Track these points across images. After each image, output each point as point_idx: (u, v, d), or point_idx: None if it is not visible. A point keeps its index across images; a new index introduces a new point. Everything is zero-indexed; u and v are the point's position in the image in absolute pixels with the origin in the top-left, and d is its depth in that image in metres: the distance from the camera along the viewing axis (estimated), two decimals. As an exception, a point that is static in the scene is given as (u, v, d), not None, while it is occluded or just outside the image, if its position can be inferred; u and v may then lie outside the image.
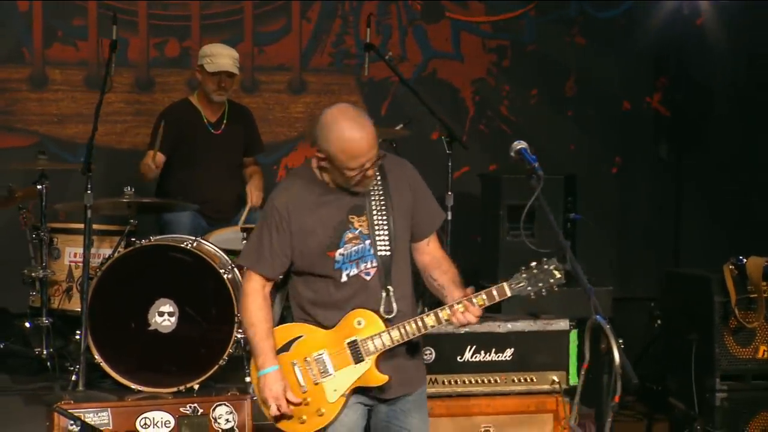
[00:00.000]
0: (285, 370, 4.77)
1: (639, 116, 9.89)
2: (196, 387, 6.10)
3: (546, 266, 4.74)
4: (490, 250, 7.77)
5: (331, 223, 4.73)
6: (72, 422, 5.36)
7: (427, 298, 5.68)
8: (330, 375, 4.76)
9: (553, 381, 6.19)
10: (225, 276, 6.71)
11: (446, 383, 6.15)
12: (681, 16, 9.68)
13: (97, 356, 6.58)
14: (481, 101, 9.53)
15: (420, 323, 4.71)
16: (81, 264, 7.04)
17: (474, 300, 4.67)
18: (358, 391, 4.79)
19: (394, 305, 4.74)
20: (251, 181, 7.83)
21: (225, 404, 5.73)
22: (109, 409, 5.59)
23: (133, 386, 6.55)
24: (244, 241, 7.05)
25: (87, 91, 8.69)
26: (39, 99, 8.65)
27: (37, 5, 8.57)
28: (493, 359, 6.12)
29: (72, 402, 5.53)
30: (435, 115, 7.46)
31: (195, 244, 6.81)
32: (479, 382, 6.08)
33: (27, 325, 7.08)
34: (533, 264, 4.74)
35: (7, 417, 6.30)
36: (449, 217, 7.21)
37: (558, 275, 4.73)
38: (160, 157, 7.40)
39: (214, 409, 5.71)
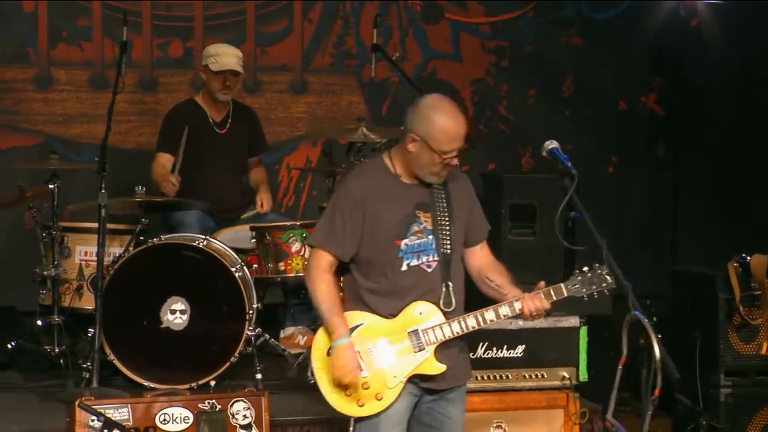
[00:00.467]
0: None
1: (635, 116, 10.00)
2: (212, 383, 6.17)
3: (599, 271, 5.00)
4: (492, 248, 7.85)
5: (400, 214, 4.94)
6: (95, 418, 5.39)
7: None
8: (391, 362, 4.93)
9: (564, 377, 6.26)
10: (236, 274, 6.80)
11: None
12: (676, 17, 9.80)
13: (109, 353, 6.66)
14: (480, 101, 9.63)
15: (480, 318, 4.94)
16: (91, 263, 7.13)
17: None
18: (412, 381, 4.97)
19: (453, 299, 4.95)
20: (261, 189, 7.95)
21: (243, 400, 5.75)
22: (129, 405, 5.60)
23: (145, 383, 6.63)
24: (253, 240, 7.18)
25: (91, 91, 8.77)
26: (44, 99, 8.71)
27: (43, 6, 8.62)
28: (505, 356, 6.19)
29: (92, 398, 5.56)
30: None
31: (206, 243, 6.89)
32: (491, 378, 6.15)
33: (39, 323, 7.11)
34: (586, 268, 5.02)
35: (23, 413, 6.36)
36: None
37: (610, 280, 4.97)
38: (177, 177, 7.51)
39: (231, 405, 5.73)
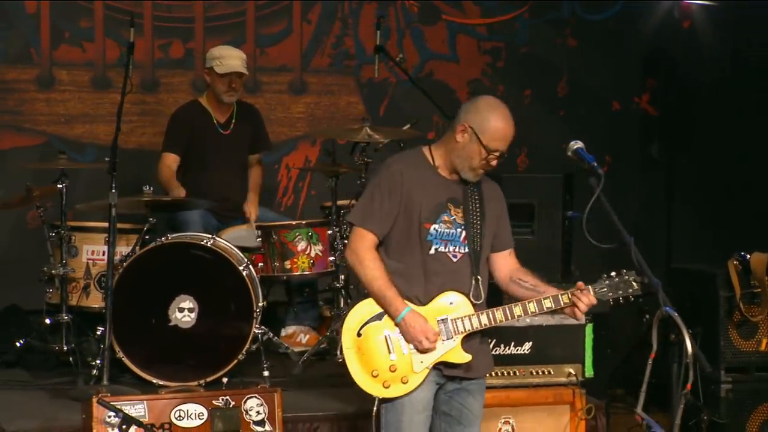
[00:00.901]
0: (375, 336, 5.12)
1: (628, 116, 10.10)
2: (225, 380, 6.23)
3: (626, 277, 5.16)
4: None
5: (433, 201, 5.13)
6: (112, 414, 5.45)
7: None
8: None
9: (570, 373, 6.35)
10: (243, 272, 6.88)
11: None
12: (669, 19, 9.90)
13: (118, 351, 6.73)
14: (477, 102, 9.69)
15: (508, 312, 5.11)
16: (98, 261, 7.22)
17: (562, 295, 5.11)
18: (437, 368, 5.12)
19: (482, 293, 5.14)
20: (250, 198, 7.96)
21: (256, 397, 5.85)
22: (145, 401, 5.70)
23: (154, 380, 6.70)
24: (259, 239, 7.26)
25: (93, 91, 8.81)
26: (47, 99, 8.74)
27: (45, 7, 8.65)
28: (513, 353, 6.29)
29: (109, 395, 5.63)
30: (447, 115, 7.62)
31: (213, 242, 6.96)
32: (499, 374, 6.23)
33: (47, 321, 7.16)
34: (614, 273, 5.16)
35: (35, 410, 6.41)
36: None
37: (636, 286, 5.13)
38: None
39: (245, 402, 5.82)
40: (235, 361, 6.80)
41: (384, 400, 5.14)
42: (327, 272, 7.41)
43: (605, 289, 5.15)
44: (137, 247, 7.04)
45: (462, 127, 5.09)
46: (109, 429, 5.55)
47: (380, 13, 9.10)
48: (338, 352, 5.67)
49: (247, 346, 6.83)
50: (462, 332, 5.10)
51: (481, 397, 5.31)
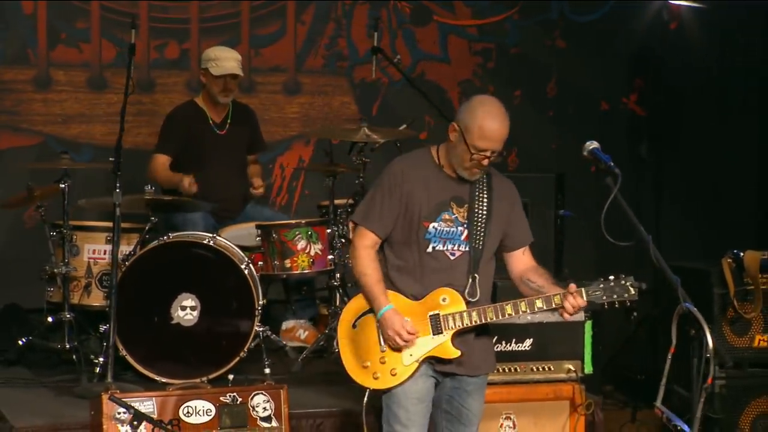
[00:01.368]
0: (369, 329, 5.22)
1: (616, 116, 10.20)
2: (231, 377, 6.30)
3: (623, 282, 5.19)
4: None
5: (434, 200, 5.20)
6: (122, 410, 5.51)
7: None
8: None
9: (569, 369, 6.45)
10: (245, 271, 6.96)
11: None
12: (657, 20, 10.01)
13: (121, 349, 6.79)
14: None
15: (498, 310, 5.14)
16: (99, 260, 7.28)
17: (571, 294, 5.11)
18: (430, 364, 5.19)
19: (479, 291, 5.18)
20: (253, 172, 8.14)
21: (262, 393, 5.90)
22: (154, 398, 5.74)
23: (156, 378, 6.78)
24: (258, 238, 7.34)
25: (90, 92, 8.86)
26: (44, 99, 8.77)
27: (42, 7, 8.69)
28: (514, 349, 6.38)
29: (119, 391, 5.69)
30: (444, 116, 7.69)
31: (214, 241, 7.04)
32: (500, 371, 6.32)
33: (49, 319, 7.22)
34: (611, 277, 5.18)
35: (42, 408, 6.45)
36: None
37: (633, 292, 5.17)
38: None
39: (252, 398, 5.87)
40: (237, 359, 6.88)
41: (384, 392, 5.24)
42: (326, 270, 7.47)
43: (599, 292, 5.14)
44: (138, 247, 7.11)
45: (452, 127, 5.17)
46: (119, 425, 5.58)
47: (373, 14, 9.19)
48: (335, 344, 5.76)
49: (248, 343, 6.91)
50: (452, 328, 5.15)
51: (480, 396, 5.38)
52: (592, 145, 5.10)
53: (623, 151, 10.21)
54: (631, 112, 10.29)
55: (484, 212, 5.22)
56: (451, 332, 5.15)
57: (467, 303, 5.17)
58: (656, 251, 4.79)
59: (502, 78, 9.91)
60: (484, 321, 5.16)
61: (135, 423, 5.44)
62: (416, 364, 5.17)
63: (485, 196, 5.24)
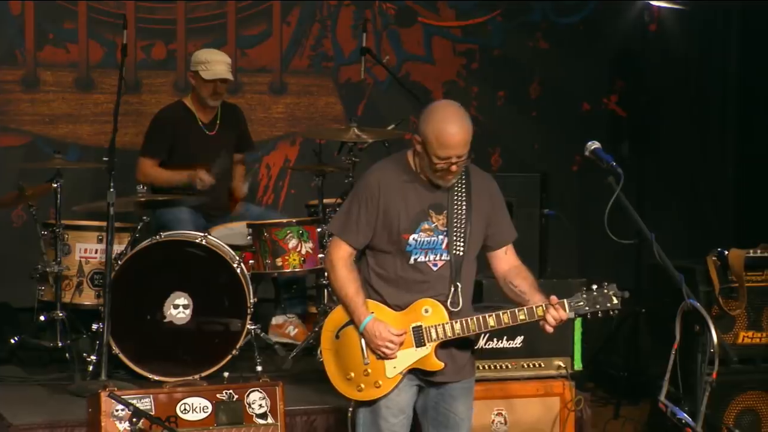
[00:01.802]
0: (351, 340, 5.14)
1: (598, 117, 10.31)
2: (226, 375, 6.36)
3: (606, 291, 5.10)
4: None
5: (412, 210, 5.08)
6: (120, 407, 5.55)
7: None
8: None
9: (559, 366, 6.53)
10: (237, 269, 7.02)
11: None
12: (637, 22, 10.10)
13: (114, 347, 6.84)
14: (450, 102, 9.86)
15: (481, 321, 5.09)
16: (91, 259, 7.32)
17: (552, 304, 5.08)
18: (413, 372, 5.14)
19: (461, 300, 5.11)
20: (236, 176, 8.12)
21: (258, 390, 5.94)
22: (151, 395, 5.78)
23: (149, 376, 6.84)
24: (249, 237, 7.39)
25: (77, 92, 8.90)
26: (31, 100, 8.81)
27: (29, 7, 8.72)
28: (505, 346, 6.44)
29: (116, 389, 5.72)
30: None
31: (206, 239, 7.10)
32: (492, 368, 6.41)
33: (42, 318, 7.25)
34: (594, 286, 5.10)
35: (37, 406, 6.50)
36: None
37: (615, 301, 5.10)
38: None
39: (248, 395, 5.91)
40: (229, 357, 6.95)
41: (360, 403, 5.21)
42: (317, 269, 7.51)
43: (582, 303, 5.09)
44: (129, 246, 7.16)
45: (415, 139, 5.03)
46: (117, 422, 5.63)
47: (358, 15, 9.28)
48: (318, 352, 5.79)
49: (241, 341, 6.98)
50: (435, 340, 5.08)
51: (466, 399, 5.30)
52: (594, 145, 5.14)
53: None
54: (611, 113, 10.41)
55: (463, 217, 5.11)
56: (434, 344, 5.08)
57: (450, 313, 5.09)
58: (659, 249, 4.84)
59: (486, 79, 10.00)
60: (466, 333, 5.10)
61: (134, 420, 5.46)
62: (400, 377, 5.12)
63: (464, 198, 5.14)
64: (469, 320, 5.08)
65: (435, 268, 5.12)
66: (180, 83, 8.91)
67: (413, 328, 5.10)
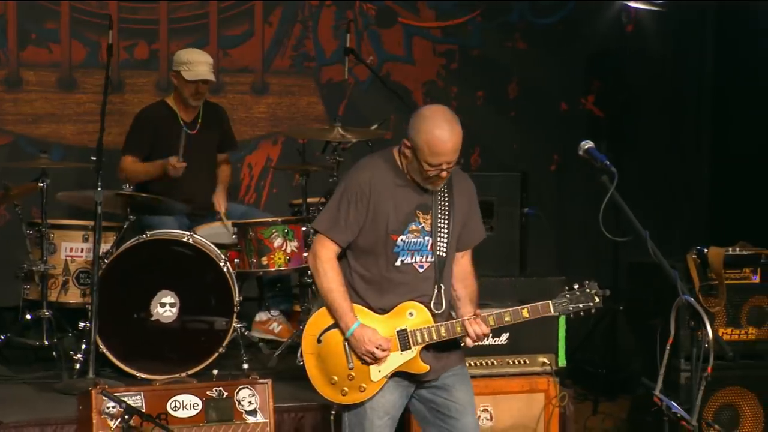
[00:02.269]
0: (334, 344, 5.15)
1: (575, 117, 10.37)
2: (215, 372, 6.40)
3: (588, 290, 5.19)
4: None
5: (401, 211, 5.09)
6: (112, 405, 5.57)
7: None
8: None
9: (544, 363, 6.62)
10: (224, 268, 7.07)
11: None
12: (614, 23, 10.20)
13: (101, 345, 6.88)
14: (431, 102, 9.85)
15: (450, 329, 5.13)
16: (77, 258, 7.36)
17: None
18: (399, 374, 5.16)
19: (444, 301, 5.14)
20: (218, 189, 8.14)
21: (248, 387, 5.97)
22: (142, 392, 5.79)
23: (135, 374, 6.90)
24: (235, 236, 7.43)
25: (59, 92, 8.91)
26: (14, 99, 8.81)
27: (11, 7, 8.73)
28: (490, 344, 6.50)
29: (107, 386, 5.75)
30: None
31: (192, 238, 7.15)
32: (478, 364, 6.49)
33: (27, 317, 7.28)
34: (576, 286, 5.18)
35: (25, 404, 6.55)
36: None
37: (597, 300, 5.20)
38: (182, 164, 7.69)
39: (237, 392, 5.94)
40: (216, 355, 7.00)
41: (345, 406, 5.22)
42: (302, 268, 7.56)
43: (565, 303, 5.16)
44: (115, 245, 7.19)
45: (405, 143, 5.02)
46: (108, 419, 5.63)
47: (339, 15, 9.34)
48: (299, 356, 5.81)
49: (227, 339, 7.03)
50: (420, 343, 5.10)
51: (463, 386, 5.28)
52: (588, 144, 5.19)
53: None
54: (589, 113, 10.48)
55: (447, 217, 5.14)
56: (419, 347, 5.11)
57: (433, 315, 5.13)
58: (654, 246, 4.91)
59: (465, 79, 10.06)
60: (452, 335, 5.13)
61: (126, 417, 5.49)
62: (384, 380, 5.13)
63: (446, 198, 5.16)
64: (455, 324, 5.13)
65: (421, 270, 5.15)
66: (162, 83, 8.94)
67: (398, 331, 5.12)
